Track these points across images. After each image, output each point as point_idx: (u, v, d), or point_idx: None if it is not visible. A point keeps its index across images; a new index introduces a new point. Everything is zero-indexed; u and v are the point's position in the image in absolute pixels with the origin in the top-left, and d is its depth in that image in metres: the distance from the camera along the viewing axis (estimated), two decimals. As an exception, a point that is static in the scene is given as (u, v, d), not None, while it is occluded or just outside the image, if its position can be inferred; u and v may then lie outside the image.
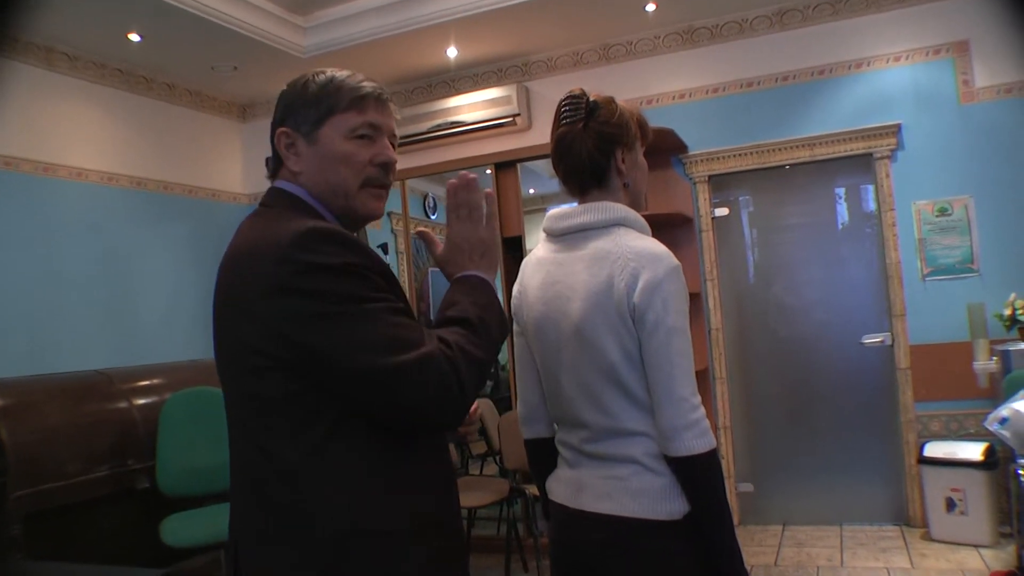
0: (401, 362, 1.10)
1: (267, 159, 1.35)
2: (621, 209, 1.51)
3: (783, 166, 4.52)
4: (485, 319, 1.22)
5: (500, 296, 1.55)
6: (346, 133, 1.25)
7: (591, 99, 1.53)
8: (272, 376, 1.13)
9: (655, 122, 1.69)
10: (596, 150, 1.51)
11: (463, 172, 1.32)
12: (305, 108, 1.26)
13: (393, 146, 1.31)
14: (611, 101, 1.54)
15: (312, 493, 1.13)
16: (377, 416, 1.15)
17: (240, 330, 1.16)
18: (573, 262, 1.50)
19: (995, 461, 3.82)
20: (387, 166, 1.29)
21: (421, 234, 1.36)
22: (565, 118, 1.53)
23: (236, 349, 1.18)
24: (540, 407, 1.64)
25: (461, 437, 1.48)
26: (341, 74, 1.28)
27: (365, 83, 1.28)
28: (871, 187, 4.40)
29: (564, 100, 1.55)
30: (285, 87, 1.32)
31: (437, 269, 1.35)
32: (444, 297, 1.27)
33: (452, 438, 1.48)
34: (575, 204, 1.56)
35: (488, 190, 1.32)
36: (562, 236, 1.55)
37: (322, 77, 1.28)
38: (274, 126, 1.30)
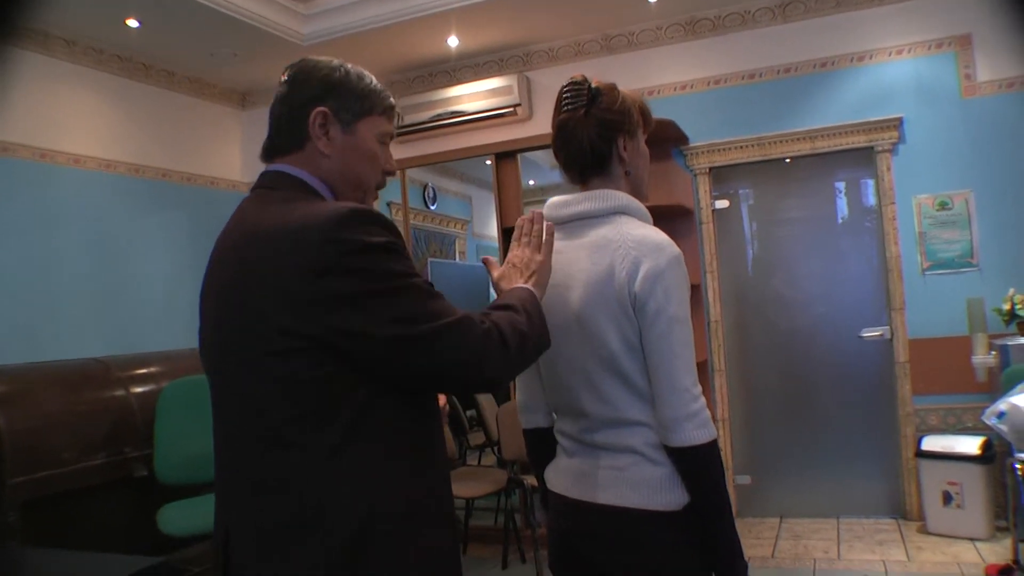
0: (443, 324, 1.16)
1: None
2: (623, 197, 1.50)
3: (784, 159, 4.51)
4: (528, 310, 1.30)
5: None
6: (378, 136, 1.33)
7: (593, 86, 1.51)
8: (301, 358, 1.11)
9: (656, 113, 1.68)
10: (598, 137, 1.49)
11: (533, 208, 1.50)
12: (349, 98, 1.30)
13: None
14: (613, 88, 1.52)
15: (326, 479, 1.13)
16: (424, 384, 1.21)
17: (268, 311, 1.12)
18: (574, 250, 1.49)
19: (992, 455, 3.83)
20: (391, 175, 1.39)
21: (485, 261, 1.51)
22: (567, 105, 1.52)
23: (257, 331, 1.14)
24: (539, 396, 1.63)
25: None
26: (368, 74, 1.35)
27: (387, 92, 1.37)
28: (872, 181, 4.38)
29: (566, 87, 1.53)
30: (314, 65, 1.31)
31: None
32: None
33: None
34: (576, 192, 1.55)
35: (549, 222, 1.45)
36: (563, 224, 1.53)
37: (359, 72, 1.33)
38: (308, 101, 1.28)
